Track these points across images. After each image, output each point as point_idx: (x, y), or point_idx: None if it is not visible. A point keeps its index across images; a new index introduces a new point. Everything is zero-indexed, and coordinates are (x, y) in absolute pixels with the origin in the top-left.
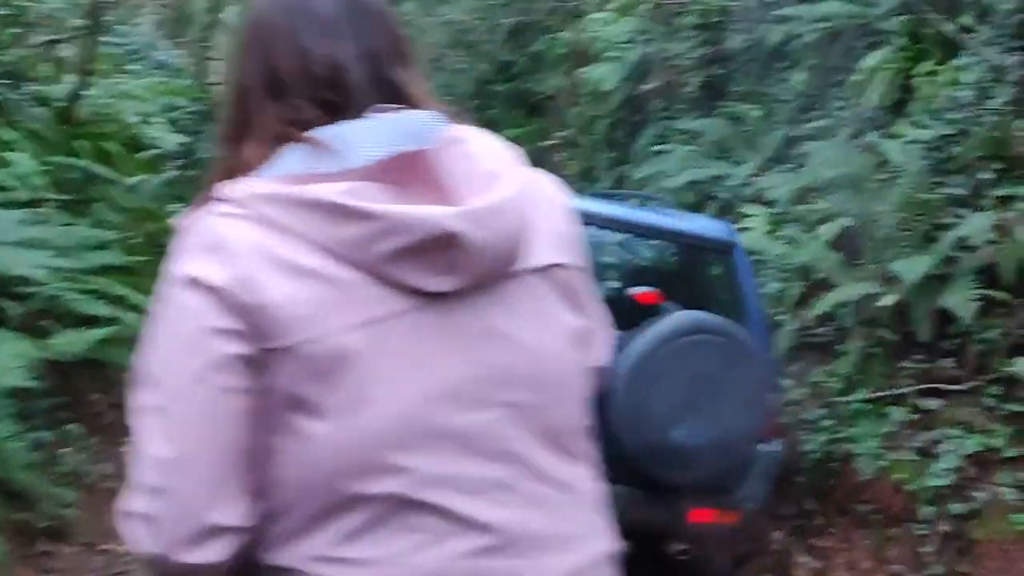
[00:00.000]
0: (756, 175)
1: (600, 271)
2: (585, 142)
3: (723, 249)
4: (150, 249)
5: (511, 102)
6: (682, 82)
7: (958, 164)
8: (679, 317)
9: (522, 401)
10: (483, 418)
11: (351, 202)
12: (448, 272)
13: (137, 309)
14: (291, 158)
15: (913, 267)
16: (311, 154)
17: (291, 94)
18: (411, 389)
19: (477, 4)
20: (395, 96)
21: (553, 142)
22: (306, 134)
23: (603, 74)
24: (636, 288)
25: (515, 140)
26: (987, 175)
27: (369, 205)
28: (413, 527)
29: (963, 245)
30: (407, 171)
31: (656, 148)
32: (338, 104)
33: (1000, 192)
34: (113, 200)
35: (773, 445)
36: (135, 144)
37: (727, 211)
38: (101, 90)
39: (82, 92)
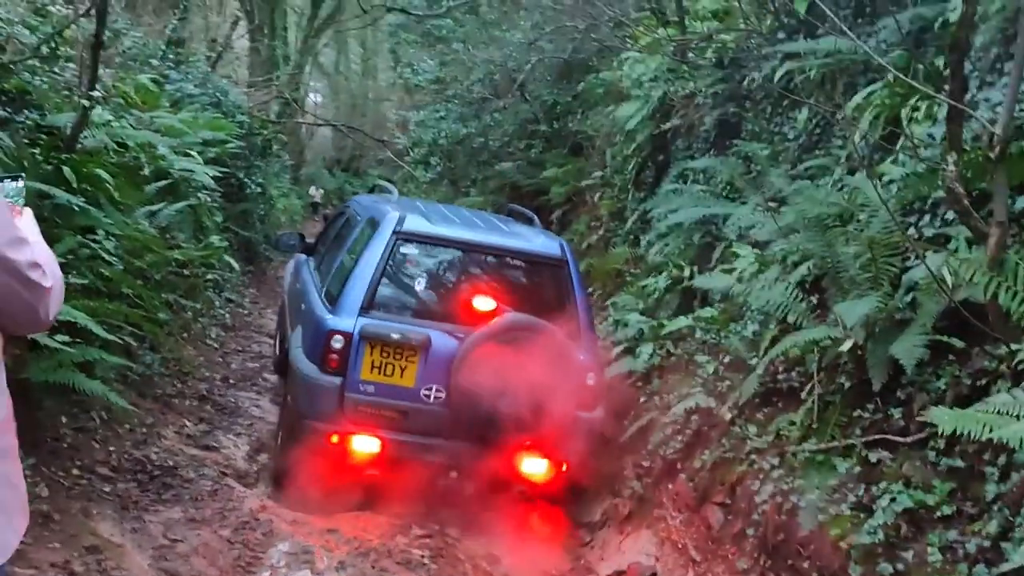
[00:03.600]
0: (753, 215)
1: (458, 278)
2: (618, 181)
3: (557, 263)
4: (128, 276)
5: (554, 142)
6: (699, 121)
7: (927, 203)
8: (504, 317)
9: None
10: None
11: None
12: None
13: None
14: None
15: (854, 310)
16: None
17: None
18: None
19: (524, 44)
20: None
21: (590, 182)
22: None
23: (628, 113)
24: (477, 296)
25: (556, 180)
26: (952, 215)
27: None
28: None
29: (922, 289)
30: None
31: (673, 188)
32: None
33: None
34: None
35: (596, 412)
36: (159, 175)
37: (727, 250)
38: (131, 121)
39: (88, 121)
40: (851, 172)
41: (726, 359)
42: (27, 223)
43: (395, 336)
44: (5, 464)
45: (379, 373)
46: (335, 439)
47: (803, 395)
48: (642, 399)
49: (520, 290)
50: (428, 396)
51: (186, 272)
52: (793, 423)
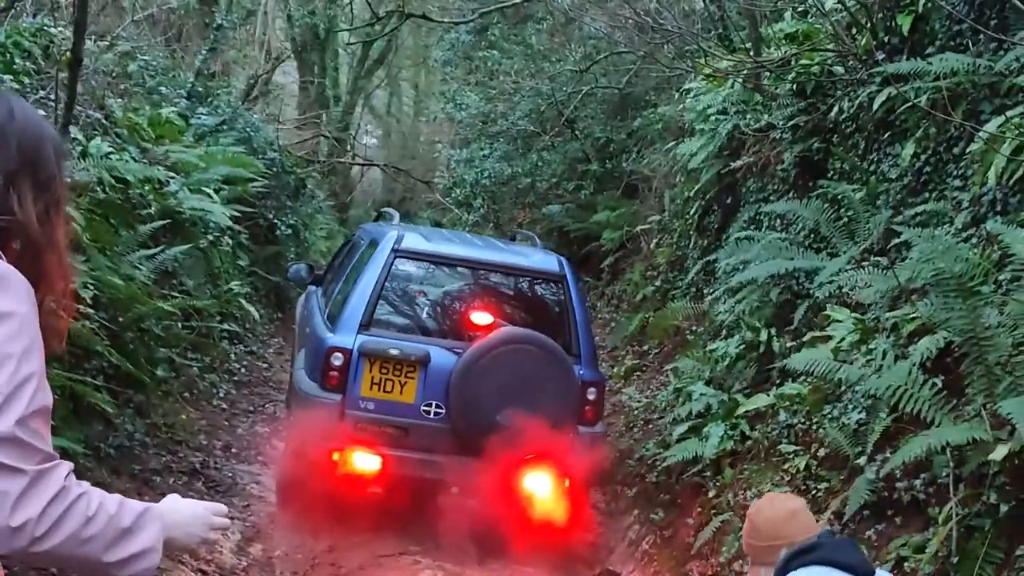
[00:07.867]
0: (849, 269)
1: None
2: (678, 227)
3: (556, 279)
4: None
5: (606, 183)
6: (776, 158)
7: None
8: (502, 331)
9: None
10: None
11: None
12: None
13: None
14: None
15: None
16: None
17: None
18: None
19: (575, 73)
20: None
21: (646, 227)
22: None
23: (691, 150)
24: (475, 311)
25: (608, 224)
26: None
27: None
28: None
29: None
30: None
31: (745, 235)
32: None
33: None
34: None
35: (597, 427)
36: (165, 214)
37: (816, 312)
38: (134, 154)
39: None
40: (975, 219)
41: (820, 452)
42: None
43: (394, 352)
44: None
45: (379, 390)
46: (336, 456)
47: (934, 512)
48: (711, 493)
49: (519, 306)
50: (428, 412)
51: (194, 322)
52: (922, 550)
